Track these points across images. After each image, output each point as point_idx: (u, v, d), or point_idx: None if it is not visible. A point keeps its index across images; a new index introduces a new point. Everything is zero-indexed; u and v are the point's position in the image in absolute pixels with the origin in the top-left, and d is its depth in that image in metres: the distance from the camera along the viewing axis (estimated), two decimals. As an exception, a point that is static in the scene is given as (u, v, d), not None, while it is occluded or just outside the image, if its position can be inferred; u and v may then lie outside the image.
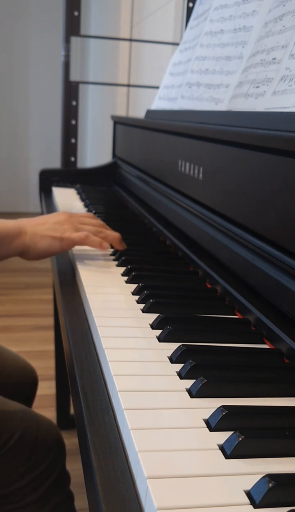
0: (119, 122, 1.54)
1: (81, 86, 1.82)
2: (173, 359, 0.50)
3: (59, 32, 2.01)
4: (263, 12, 0.87)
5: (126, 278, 0.72)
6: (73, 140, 1.81)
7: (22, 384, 0.98)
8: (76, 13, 1.71)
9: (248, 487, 0.33)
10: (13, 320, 2.51)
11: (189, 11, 1.56)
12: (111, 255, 0.84)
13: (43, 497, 0.76)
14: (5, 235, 0.72)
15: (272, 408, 0.42)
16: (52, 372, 1.81)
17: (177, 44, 1.72)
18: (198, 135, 0.81)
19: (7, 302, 2.71)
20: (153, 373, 0.47)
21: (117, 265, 0.79)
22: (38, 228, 0.76)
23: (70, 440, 0.85)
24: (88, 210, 1.14)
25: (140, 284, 0.68)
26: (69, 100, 1.78)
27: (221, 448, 0.37)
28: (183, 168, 0.88)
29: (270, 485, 0.32)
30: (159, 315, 0.58)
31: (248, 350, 0.53)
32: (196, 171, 0.81)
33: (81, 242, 0.77)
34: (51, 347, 1.95)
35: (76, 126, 1.80)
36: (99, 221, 0.83)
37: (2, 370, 0.95)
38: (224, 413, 0.39)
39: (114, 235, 0.81)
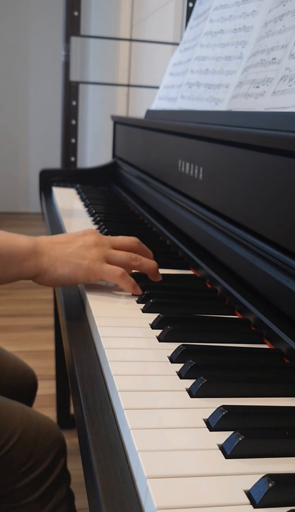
0: (119, 122, 1.54)
1: (81, 86, 1.82)
2: (173, 359, 0.50)
3: (59, 32, 2.01)
4: (263, 12, 0.87)
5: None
6: (73, 140, 1.81)
7: (22, 387, 0.98)
8: (76, 13, 1.71)
9: (248, 487, 0.33)
10: (13, 320, 2.51)
11: (189, 11, 1.56)
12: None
13: (43, 496, 0.76)
14: (15, 252, 0.62)
15: (272, 408, 0.42)
16: (52, 372, 1.81)
17: (177, 44, 1.72)
18: (198, 135, 0.81)
19: (7, 302, 2.71)
20: (153, 373, 0.47)
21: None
22: (60, 251, 0.65)
23: (70, 440, 0.85)
24: (88, 210, 1.14)
25: (140, 284, 0.68)
26: (69, 100, 1.78)
27: (221, 448, 0.37)
28: (183, 168, 0.88)
29: (270, 485, 0.32)
30: (159, 315, 0.58)
31: (248, 350, 0.53)
32: (196, 171, 0.81)
33: (113, 279, 0.65)
34: (51, 347, 1.95)
35: (76, 126, 1.80)
36: (132, 240, 0.70)
37: (2, 374, 0.95)
38: (224, 413, 0.39)
39: (151, 264, 0.69)
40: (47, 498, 0.77)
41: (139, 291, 0.66)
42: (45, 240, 0.66)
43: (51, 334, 2.05)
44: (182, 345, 0.51)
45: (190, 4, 1.56)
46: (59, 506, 0.78)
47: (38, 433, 0.77)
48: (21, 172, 4.71)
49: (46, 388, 1.78)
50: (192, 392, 0.44)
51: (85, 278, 0.64)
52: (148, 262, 0.68)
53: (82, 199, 1.27)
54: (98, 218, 1.03)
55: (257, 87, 0.74)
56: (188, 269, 0.79)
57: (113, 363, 0.48)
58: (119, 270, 0.65)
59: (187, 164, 0.85)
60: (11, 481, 0.74)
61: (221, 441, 0.38)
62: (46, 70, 4.47)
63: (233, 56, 0.92)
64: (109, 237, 0.70)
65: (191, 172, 0.83)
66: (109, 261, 0.66)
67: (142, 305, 0.63)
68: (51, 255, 0.64)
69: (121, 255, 0.67)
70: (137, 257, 0.68)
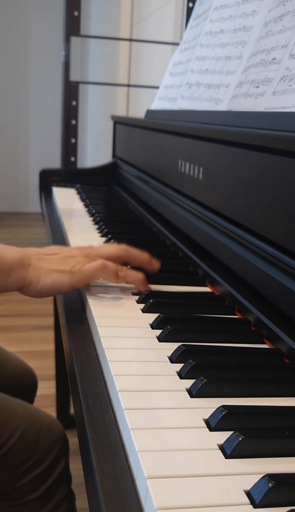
0: (119, 122, 1.54)
1: (81, 86, 1.82)
2: (173, 359, 0.50)
3: (59, 32, 2.01)
4: (263, 12, 0.87)
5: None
6: (73, 140, 1.81)
7: (22, 387, 0.98)
8: (76, 13, 1.71)
9: (248, 487, 0.33)
10: (13, 320, 2.51)
11: (189, 11, 1.56)
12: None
13: (44, 495, 0.76)
14: (1, 264, 0.63)
15: (272, 408, 0.42)
16: (52, 372, 1.81)
17: (177, 44, 1.72)
18: (198, 135, 0.81)
19: (7, 302, 2.71)
20: (153, 373, 0.47)
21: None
22: (45, 261, 0.65)
23: (70, 440, 0.85)
24: (88, 210, 1.14)
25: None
26: (69, 100, 1.78)
27: (221, 448, 0.37)
28: (183, 168, 0.88)
29: (270, 485, 0.32)
30: (159, 315, 0.58)
31: (248, 350, 0.53)
32: (196, 171, 0.81)
33: (96, 273, 0.64)
34: (51, 347, 1.95)
35: (76, 126, 1.81)
36: (119, 249, 0.69)
37: (2, 374, 0.95)
38: (224, 413, 0.39)
39: (137, 276, 0.67)
40: (48, 497, 0.77)
41: (121, 280, 0.66)
42: (32, 252, 0.66)
43: (51, 334, 2.05)
44: (182, 345, 0.51)
45: (190, 4, 1.56)
46: (59, 505, 0.78)
47: (40, 431, 0.77)
48: (21, 172, 4.71)
49: (46, 388, 1.78)
50: (192, 392, 0.44)
51: (69, 284, 0.64)
52: (133, 274, 0.67)
53: (82, 199, 1.27)
54: (98, 218, 1.03)
55: (257, 87, 0.74)
56: (189, 269, 0.79)
57: (113, 363, 0.48)
58: (96, 262, 0.64)
59: (187, 164, 0.85)
60: (12, 479, 0.74)
61: (221, 441, 0.38)
62: (46, 70, 4.47)
63: (233, 56, 0.92)
64: (95, 248, 0.69)
65: (191, 172, 0.83)
66: None
67: (142, 305, 0.63)
68: (36, 266, 0.64)
69: (107, 254, 0.67)
70: (122, 269, 0.67)
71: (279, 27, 0.74)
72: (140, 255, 0.69)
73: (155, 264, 0.70)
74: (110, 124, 1.68)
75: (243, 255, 0.62)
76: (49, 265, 0.64)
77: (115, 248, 0.69)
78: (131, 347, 0.52)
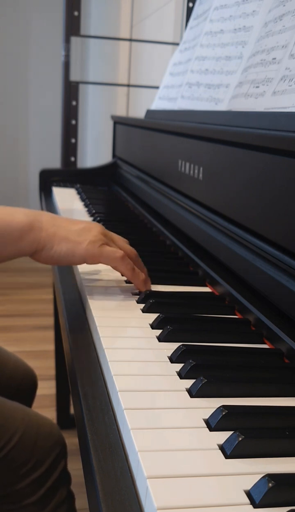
0: (119, 122, 1.54)
1: (81, 86, 1.82)
2: (173, 359, 0.50)
3: (59, 32, 2.01)
4: (263, 12, 0.87)
5: (126, 277, 0.72)
6: (73, 140, 1.82)
7: (22, 387, 0.98)
8: (76, 13, 1.72)
9: (248, 487, 0.33)
10: (13, 320, 2.51)
11: (189, 11, 1.56)
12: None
13: (44, 498, 0.76)
14: (10, 230, 0.60)
15: (272, 408, 0.42)
16: (52, 372, 1.81)
17: (177, 44, 1.72)
18: (198, 135, 0.81)
19: (7, 302, 2.71)
20: (153, 373, 0.47)
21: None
22: (60, 228, 0.63)
23: (70, 440, 0.85)
24: (88, 210, 1.14)
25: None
26: (69, 100, 1.78)
27: (221, 448, 0.37)
28: (183, 168, 0.88)
29: (270, 485, 0.32)
30: (159, 315, 0.58)
31: (248, 350, 0.53)
32: (196, 171, 0.81)
33: (112, 261, 0.63)
34: (51, 347, 1.95)
35: (76, 126, 1.81)
36: (131, 250, 0.68)
37: (2, 374, 0.95)
38: (224, 413, 0.39)
39: (140, 275, 0.66)
40: (47, 499, 0.77)
41: (139, 276, 0.65)
42: (47, 216, 0.64)
43: (51, 334, 2.05)
44: (182, 345, 0.51)
45: (190, 4, 1.56)
46: (59, 508, 0.78)
47: (39, 434, 0.77)
48: (21, 172, 4.71)
49: (46, 388, 1.78)
50: (192, 392, 0.44)
51: (81, 258, 0.63)
52: (139, 271, 0.67)
53: (82, 199, 1.27)
54: (98, 218, 1.03)
55: (257, 87, 0.74)
56: (189, 269, 0.79)
57: (113, 363, 0.48)
58: (119, 251, 0.63)
59: (187, 164, 0.85)
60: (11, 482, 0.74)
61: (221, 441, 0.38)
62: (46, 70, 4.47)
63: (233, 56, 0.92)
64: (113, 233, 0.69)
65: (191, 172, 0.83)
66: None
67: (142, 305, 0.63)
68: (50, 231, 0.62)
69: (121, 246, 0.66)
70: (131, 261, 0.66)
71: (279, 27, 0.74)
72: (142, 269, 0.69)
73: (148, 286, 0.68)
74: (110, 124, 1.68)
75: (243, 255, 0.62)
76: (65, 233, 0.63)
77: (129, 246, 0.68)
78: (131, 347, 0.52)
